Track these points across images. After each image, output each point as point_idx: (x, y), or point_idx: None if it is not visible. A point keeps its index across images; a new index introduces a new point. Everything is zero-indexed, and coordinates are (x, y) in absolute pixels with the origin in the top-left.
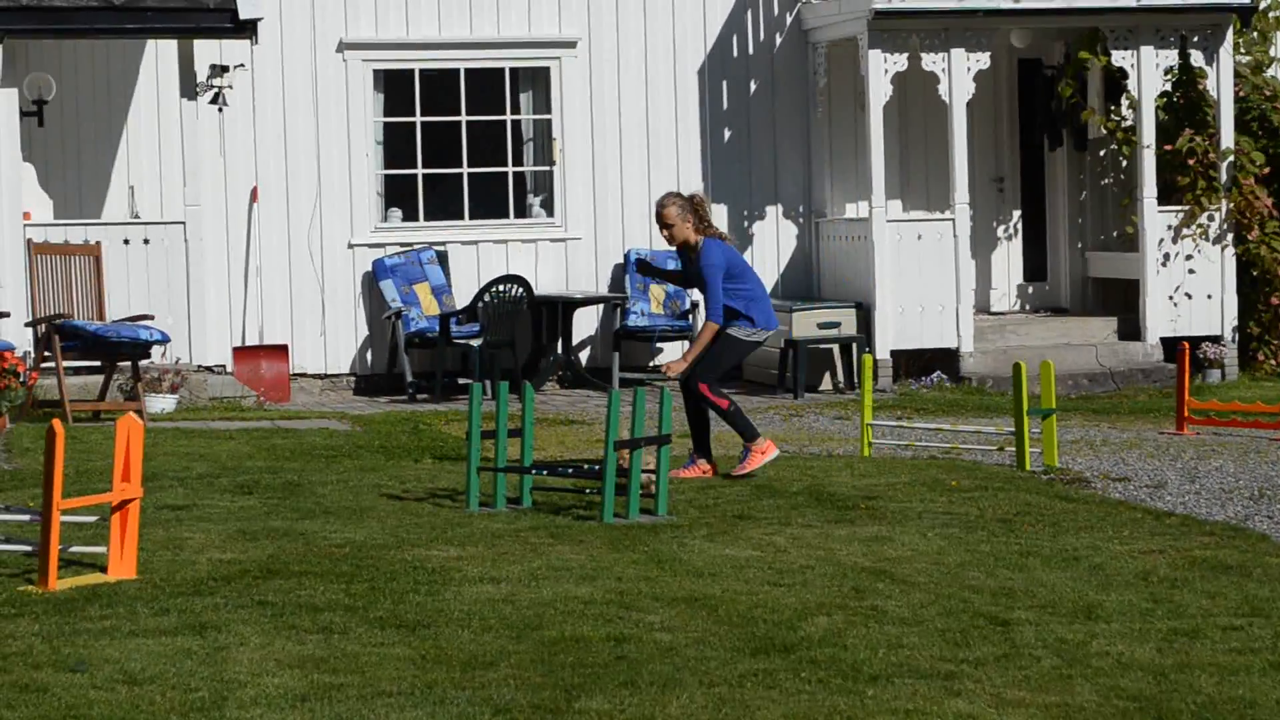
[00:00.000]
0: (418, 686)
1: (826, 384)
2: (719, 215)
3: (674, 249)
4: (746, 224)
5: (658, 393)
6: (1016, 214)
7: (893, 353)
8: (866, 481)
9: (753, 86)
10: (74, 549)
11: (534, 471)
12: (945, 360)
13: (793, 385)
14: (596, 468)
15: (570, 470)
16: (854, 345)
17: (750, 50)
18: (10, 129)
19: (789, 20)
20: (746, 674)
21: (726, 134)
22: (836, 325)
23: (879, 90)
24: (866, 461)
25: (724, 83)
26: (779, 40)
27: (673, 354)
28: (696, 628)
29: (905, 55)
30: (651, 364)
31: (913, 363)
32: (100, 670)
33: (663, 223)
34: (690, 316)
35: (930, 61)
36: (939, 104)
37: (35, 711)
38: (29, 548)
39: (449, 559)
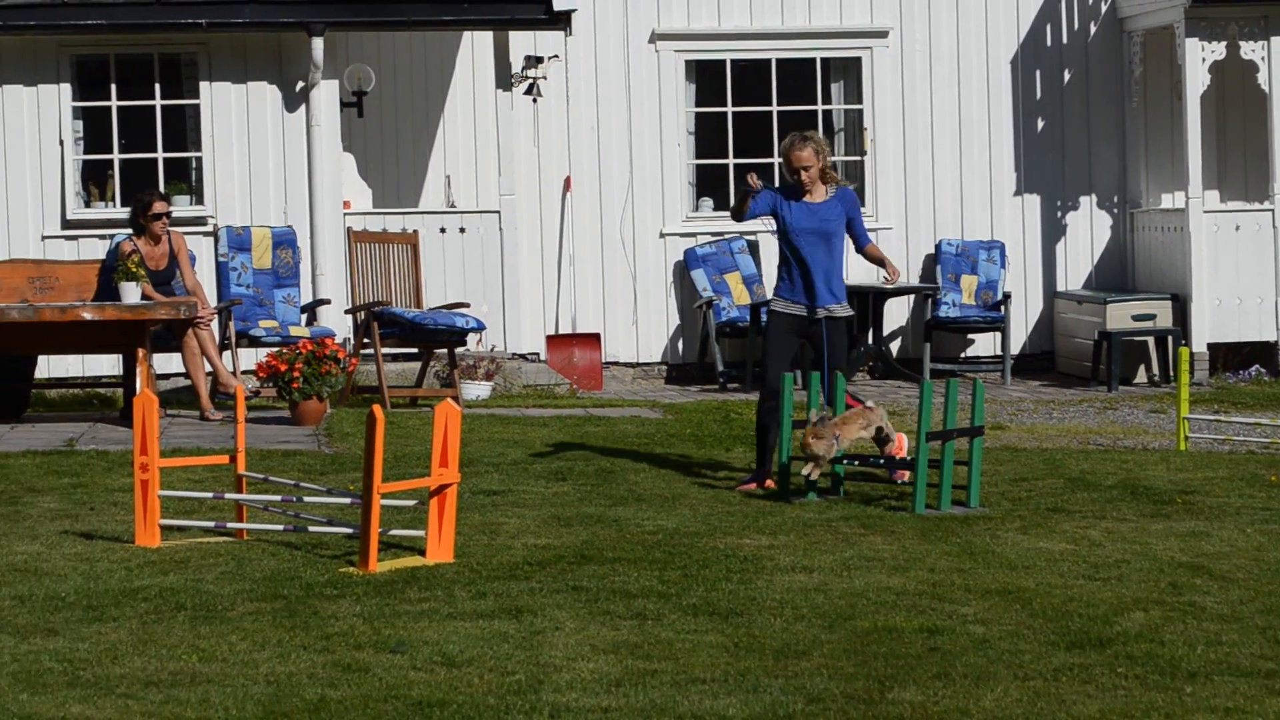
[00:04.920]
0: (731, 674)
1: (1141, 377)
2: (1032, 206)
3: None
4: (1060, 215)
5: (970, 384)
6: None
7: (1209, 346)
8: (1183, 476)
9: (1066, 76)
10: (393, 532)
11: (846, 462)
12: (1264, 354)
13: (1106, 378)
14: (909, 459)
15: (882, 461)
16: (1169, 338)
17: (1064, 39)
18: (331, 120)
19: (1104, 9)
20: (1061, 668)
21: (1039, 124)
22: (1152, 317)
23: (1196, 79)
24: (1183, 456)
25: (1037, 72)
26: (1093, 29)
27: (985, 347)
28: (1010, 620)
29: (1223, 44)
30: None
31: (1230, 356)
32: (419, 652)
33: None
34: (1003, 308)
35: (1249, 50)
36: (1258, 93)
37: (357, 691)
38: (350, 530)
39: (761, 547)
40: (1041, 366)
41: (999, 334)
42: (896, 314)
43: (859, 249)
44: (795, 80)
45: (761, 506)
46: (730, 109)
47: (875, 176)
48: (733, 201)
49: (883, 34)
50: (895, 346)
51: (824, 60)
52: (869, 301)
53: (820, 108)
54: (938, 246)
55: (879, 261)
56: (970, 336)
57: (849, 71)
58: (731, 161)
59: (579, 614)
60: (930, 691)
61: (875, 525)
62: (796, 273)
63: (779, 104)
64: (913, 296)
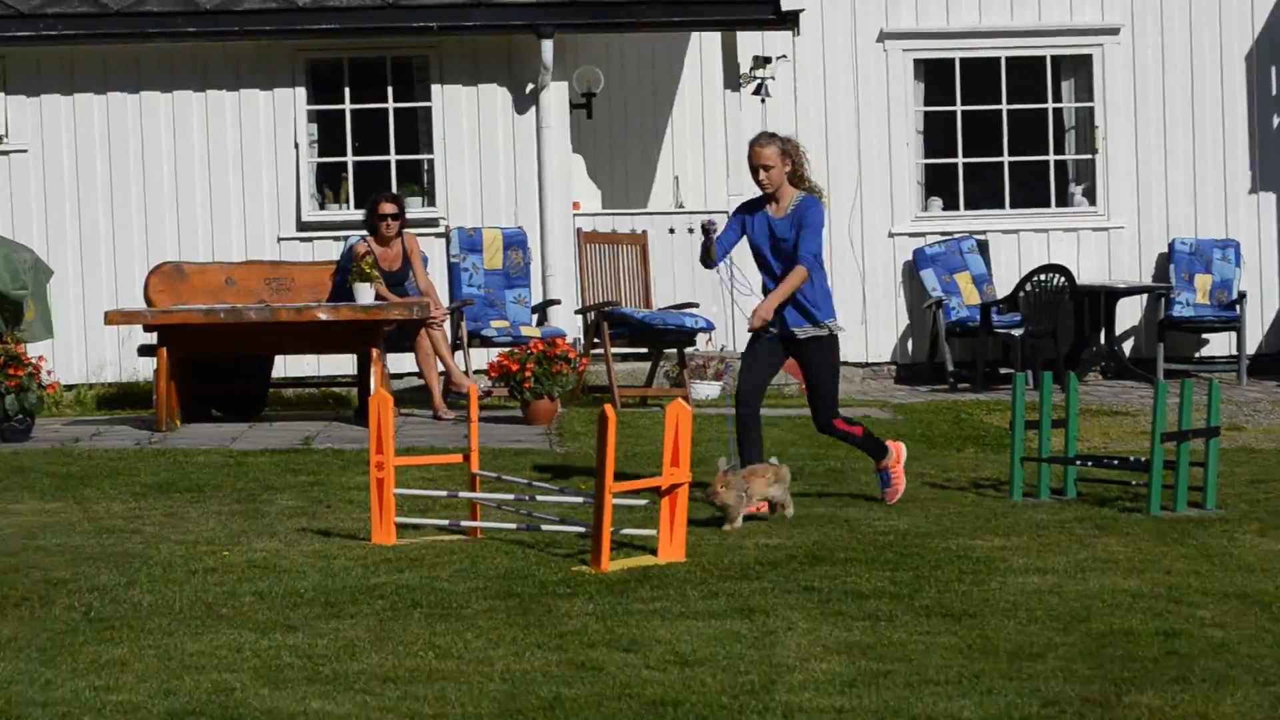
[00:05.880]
0: (965, 676)
1: None
2: (1267, 204)
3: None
4: None
5: (1205, 385)
6: None
7: None
8: None
9: None
10: (625, 531)
11: (1079, 463)
12: None
13: None
14: (1143, 460)
15: (1116, 462)
16: None
17: None
18: (561, 121)
19: None
20: None
21: (1275, 120)
22: None
23: None
24: None
25: (1272, 68)
26: None
27: (1219, 347)
28: (1249, 624)
29: None
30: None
31: None
32: (652, 651)
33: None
34: (1238, 307)
35: None
36: None
37: (591, 689)
38: (582, 529)
39: (993, 549)
40: (1279, 367)
41: (1234, 334)
42: (1129, 314)
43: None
44: (1025, 78)
45: (994, 508)
46: (959, 108)
47: (1107, 175)
48: (707, 250)
49: (1114, 30)
50: (1128, 347)
51: (1054, 58)
52: (1100, 301)
53: (1050, 106)
54: (1171, 245)
55: (785, 282)
56: (1204, 336)
57: (1079, 69)
58: (961, 161)
59: (811, 614)
60: (1168, 695)
61: (1109, 527)
62: (769, 290)
63: (1008, 102)
64: (1145, 296)
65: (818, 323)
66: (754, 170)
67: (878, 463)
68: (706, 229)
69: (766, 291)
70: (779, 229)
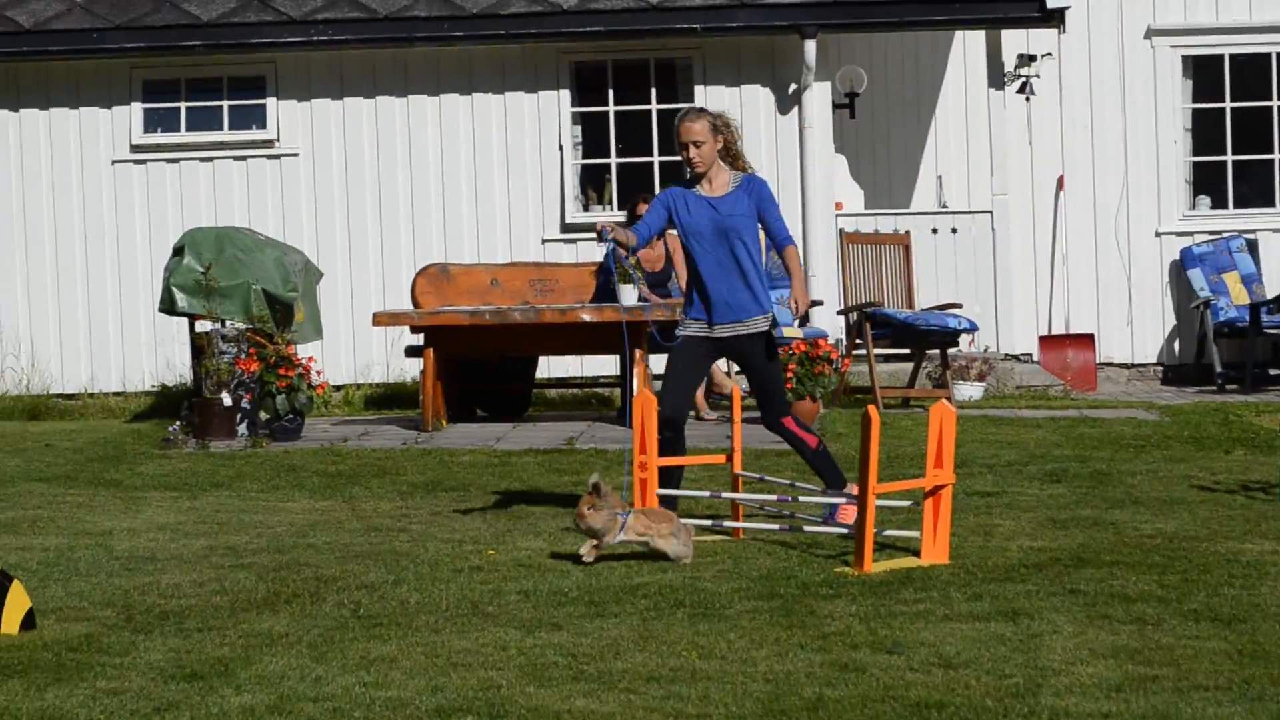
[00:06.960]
0: (1234, 682)
1: None
2: None
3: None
4: None
5: None
6: None
7: None
8: None
9: None
10: (887, 533)
11: None
12: None
13: None
14: None
15: None
16: None
17: None
18: (823, 121)
19: None
20: None
21: None
22: None
23: None
24: None
25: None
26: None
27: None
28: None
29: None
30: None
31: None
32: (916, 653)
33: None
34: None
35: None
36: None
37: (854, 690)
38: (844, 530)
39: (1264, 553)
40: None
41: None
42: None
43: (778, 251)
44: None
45: (1264, 511)
46: (1228, 104)
47: None
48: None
49: None
50: None
51: None
52: None
53: None
54: None
55: (797, 270)
56: None
57: None
58: (1230, 159)
59: (1076, 617)
60: None
61: None
62: (699, 283)
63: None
64: None
65: (763, 314)
66: (682, 147)
67: (829, 488)
68: (601, 234)
69: (702, 276)
70: (723, 206)
